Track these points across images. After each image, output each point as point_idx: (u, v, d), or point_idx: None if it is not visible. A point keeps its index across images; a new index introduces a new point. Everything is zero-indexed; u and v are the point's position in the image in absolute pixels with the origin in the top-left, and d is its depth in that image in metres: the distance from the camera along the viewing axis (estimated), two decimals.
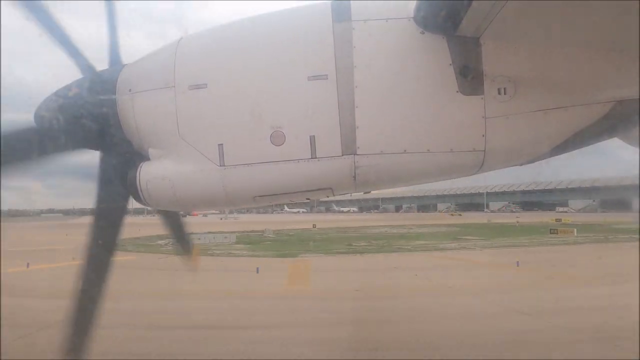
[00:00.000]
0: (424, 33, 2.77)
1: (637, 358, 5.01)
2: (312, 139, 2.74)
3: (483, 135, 2.75)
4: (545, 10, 2.35)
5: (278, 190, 2.92)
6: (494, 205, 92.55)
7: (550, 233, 28.76)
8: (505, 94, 2.73)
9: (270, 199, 3.09)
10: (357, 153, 2.75)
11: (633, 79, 2.64)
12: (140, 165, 2.98)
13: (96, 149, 3.19)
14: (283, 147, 2.76)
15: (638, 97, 2.73)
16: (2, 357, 5.33)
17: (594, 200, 78.87)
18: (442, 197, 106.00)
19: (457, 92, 2.73)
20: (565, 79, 2.78)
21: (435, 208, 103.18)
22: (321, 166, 2.77)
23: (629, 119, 2.90)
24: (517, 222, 42.36)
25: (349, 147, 2.74)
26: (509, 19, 2.43)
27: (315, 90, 2.74)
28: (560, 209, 75.86)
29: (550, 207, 79.92)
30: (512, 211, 79.47)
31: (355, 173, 2.80)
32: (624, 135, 3.51)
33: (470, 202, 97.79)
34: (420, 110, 2.76)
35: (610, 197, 70.21)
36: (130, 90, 2.96)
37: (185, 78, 2.85)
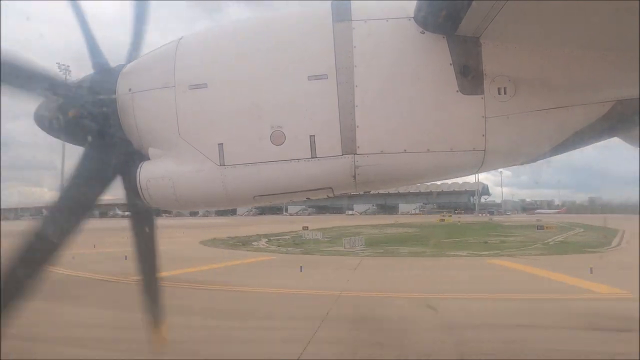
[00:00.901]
0: (424, 33, 2.77)
1: (637, 358, 5.00)
2: (312, 139, 2.75)
3: (483, 135, 2.75)
4: (545, 10, 2.35)
5: (278, 189, 2.92)
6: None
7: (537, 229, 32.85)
8: (505, 93, 2.73)
9: (270, 199, 3.09)
10: (357, 153, 2.75)
11: (633, 78, 2.64)
12: (141, 164, 2.99)
13: (96, 148, 3.19)
14: (283, 147, 2.76)
15: (638, 97, 2.74)
16: (2, 357, 5.33)
17: (373, 205, 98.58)
18: None
19: (457, 91, 2.73)
20: (565, 79, 2.79)
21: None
22: (321, 166, 2.77)
23: (629, 118, 2.90)
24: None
25: (348, 146, 2.75)
26: (509, 18, 2.43)
27: (315, 90, 2.74)
28: (349, 212, 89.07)
29: (340, 210, 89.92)
30: (309, 214, 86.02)
31: (355, 173, 2.80)
32: (623, 135, 3.51)
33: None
34: (421, 109, 2.76)
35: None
36: (130, 89, 2.96)
37: (185, 78, 2.86)
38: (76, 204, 3.03)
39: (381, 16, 2.84)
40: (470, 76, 2.72)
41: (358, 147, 2.75)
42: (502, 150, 2.85)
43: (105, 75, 3.09)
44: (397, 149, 2.77)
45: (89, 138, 3.03)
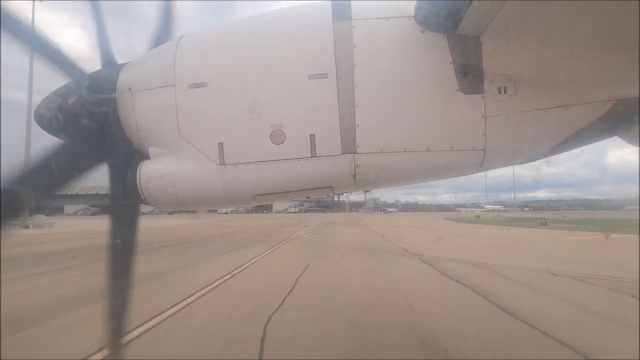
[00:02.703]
0: (424, 32, 2.77)
1: (637, 358, 5.01)
2: (312, 138, 2.75)
3: (483, 134, 2.75)
4: (546, 9, 2.35)
5: (278, 188, 2.92)
6: None
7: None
8: (505, 92, 2.74)
9: (270, 198, 3.09)
10: (357, 152, 2.75)
11: (633, 78, 2.64)
12: (141, 164, 2.99)
13: (96, 148, 3.18)
14: (283, 146, 2.76)
15: (638, 96, 2.74)
16: (2, 357, 5.32)
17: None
18: None
19: (458, 91, 2.73)
20: (566, 78, 2.79)
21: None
22: (321, 165, 2.77)
23: (629, 118, 2.90)
24: None
25: (349, 145, 2.75)
26: (510, 17, 2.43)
27: (315, 89, 2.74)
28: None
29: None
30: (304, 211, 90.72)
31: (355, 172, 2.80)
32: (624, 134, 3.51)
33: None
34: (421, 109, 2.76)
35: None
36: (130, 89, 2.96)
37: (185, 76, 2.85)
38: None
39: (381, 15, 2.84)
40: (470, 75, 2.72)
41: (358, 146, 2.75)
42: (502, 149, 2.85)
43: (105, 74, 3.09)
44: (397, 148, 2.77)
45: (89, 137, 3.03)
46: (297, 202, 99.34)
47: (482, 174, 3.27)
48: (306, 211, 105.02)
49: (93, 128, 2.99)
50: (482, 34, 2.65)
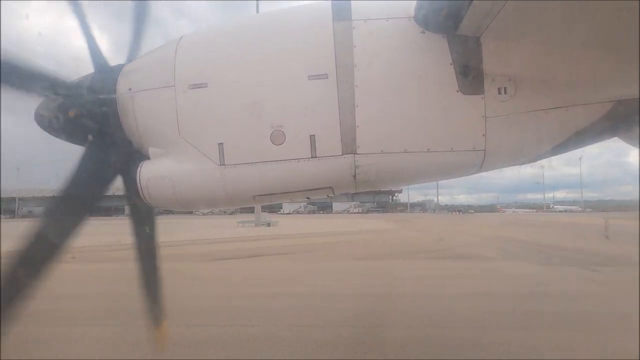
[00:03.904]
0: (424, 32, 2.77)
1: (637, 358, 5.00)
2: (312, 138, 2.75)
3: (483, 135, 2.75)
4: (546, 10, 2.35)
5: (278, 189, 2.92)
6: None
7: None
8: (505, 93, 2.74)
9: (270, 198, 3.09)
10: (357, 152, 2.75)
11: (633, 78, 2.64)
12: (141, 164, 2.99)
13: (96, 148, 3.18)
14: (283, 146, 2.76)
15: (638, 97, 2.74)
16: (2, 357, 5.32)
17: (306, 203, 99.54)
18: None
19: (458, 91, 2.73)
20: (566, 79, 2.79)
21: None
22: (321, 165, 2.77)
23: (629, 118, 2.90)
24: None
25: (349, 146, 2.74)
26: (510, 18, 2.43)
27: (315, 90, 2.74)
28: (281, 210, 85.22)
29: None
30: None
31: (355, 172, 2.80)
32: (624, 135, 3.51)
33: None
34: (421, 109, 2.76)
35: None
36: (130, 89, 2.96)
37: (185, 77, 2.85)
38: (76, 204, 3.02)
39: (381, 16, 2.84)
40: (470, 76, 2.72)
41: (358, 146, 2.75)
42: (502, 150, 2.85)
43: (105, 75, 3.09)
44: (398, 149, 2.77)
45: (89, 137, 3.03)
46: (358, 203, 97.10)
47: (489, 174, 3.26)
48: (367, 212, 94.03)
49: (93, 128, 2.99)
50: (482, 34, 2.65)
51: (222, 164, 2.82)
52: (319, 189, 2.94)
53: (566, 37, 2.65)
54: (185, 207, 3.21)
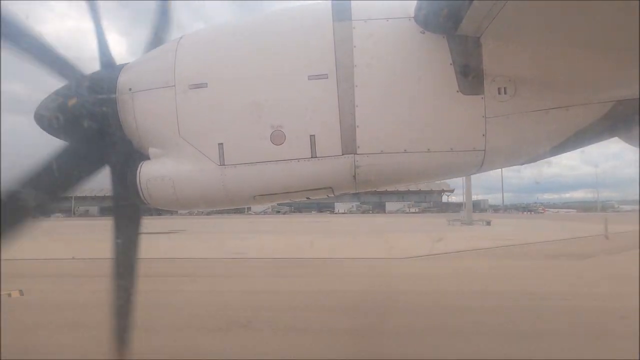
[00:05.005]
0: (424, 33, 2.77)
1: (638, 358, 5.00)
2: (312, 139, 2.75)
3: (483, 135, 2.75)
4: (546, 10, 2.35)
5: (278, 189, 2.92)
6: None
7: None
8: (505, 93, 2.73)
9: (270, 198, 3.09)
10: (357, 152, 2.75)
11: (633, 78, 2.64)
12: (141, 164, 2.99)
13: (96, 148, 3.19)
14: (283, 147, 2.76)
15: (638, 97, 2.74)
16: (2, 357, 5.32)
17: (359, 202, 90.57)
18: None
19: (458, 91, 2.73)
20: (565, 79, 2.79)
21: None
22: (321, 165, 2.77)
23: (629, 118, 2.90)
24: None
25: (349, 146, 2.75)
26: (510, 18, 2.43)
27: (315, 90, 2.74)
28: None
29: (322, 208, 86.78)
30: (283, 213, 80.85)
31: (355, 172, 2.80)
32: (624, 135, 3.51)
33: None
34: (421, 109, 2.76)
35: None
36: (130, 89, 2.96)
37: (185, 77, 2.85)
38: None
39: (381, 16, 2.84)
40: (470, 76, 2.72)
41: (358, 147, 2.75)
42: (503, 150, 2.85)
43: (105, 75, 3.09)
44: (397, 149, 2.77)
45: (89, 137, 3.03)
46: (413, 203, 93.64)
47: (497, 172, 3.24)
48: (423, 211, 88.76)
49: (93, 128, 2.99)
50: (482, 34, 2.65)
51: (222, 164, 2.82)
52: (319, 189, 2.94)
53: (566, 37, 2.65)
54: (185, 207, 3.21)
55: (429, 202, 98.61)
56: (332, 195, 3.15)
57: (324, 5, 2.93)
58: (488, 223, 36.55)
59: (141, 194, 2.96)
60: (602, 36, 2.61)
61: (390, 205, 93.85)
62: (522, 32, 2.66)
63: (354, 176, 2.81)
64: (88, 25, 3.08)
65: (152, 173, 2.94)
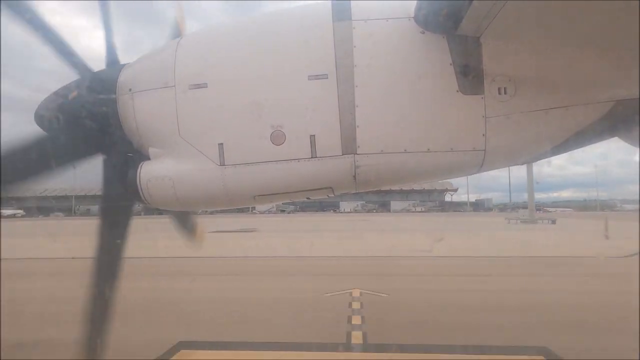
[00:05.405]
0: (424, 32, 2.77)
1: (637, 358, 5.00)
2: (312, 139, 2.75)
3: (483, 135, 2.75)
4: (546, 10, 2.35)
5: (278, 189, 2.92)
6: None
7: None
8: (505, 93, 2.73)
9: (270, 198, 3.09)
10: (357, 152, 2.75)
11: (633, 78, 2.64)
12: (141, 164, 2.99)
13: (96, 148, 3.19)
14: (283, 147, 2.76)
15: (638, 97, 2.73)
16: (2, 357, 5.33)
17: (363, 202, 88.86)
18: None
19: (458, 91, 2.73)
20: (566, 79, 2.79)
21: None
22: (321, 165, 2.77)
23: (629, 118, 2.90)
24: None
25: (349, 146, 2.75)
26: (510, 18, 2.43)
27: (315, 90, 2.74)
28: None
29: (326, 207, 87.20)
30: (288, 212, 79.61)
31: (355, 172, 2.80)
32: (624, 135, 3.50)
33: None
34: (421, 109, 2.76)
35: None
36: (130, 89, 2.96)
37: (185, 77, 2.86)
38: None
39: (381, 16, 2.84)
40: (470, 76, 2.72)
41: (358, 146, 2.75)
42: (503, 150, 2.85)
43: (105, 75, 3.09)
44: (398, 149, 2.77)
45: (89, 137, 3.04)
46: (417, 202, 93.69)
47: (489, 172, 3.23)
48: (429, 210, 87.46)
49: (93, 128, 3.00)
50: (482, 34, 2.65)
51: (222, 164, 2.82)
52: (319, 189, 2.94)
53: (566, 37, 2.65)
54: (185, 207, 3.21)
55: (435, 201, 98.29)
56: (332, 195, 3.15)
57: (324, 5, 2.92)
58: (553, 222, 34.41)
59: (141, 194, 2.97)
60: (602, 36, 2.61)
61: (395, 205, 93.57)
62: (522, 32, 2.66)
63: (354, 176, 2.81)
64: (78, 22, 3.11)
65: (152, 173, 2.94)
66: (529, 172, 40.10)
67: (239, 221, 40.31)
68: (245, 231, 30.27)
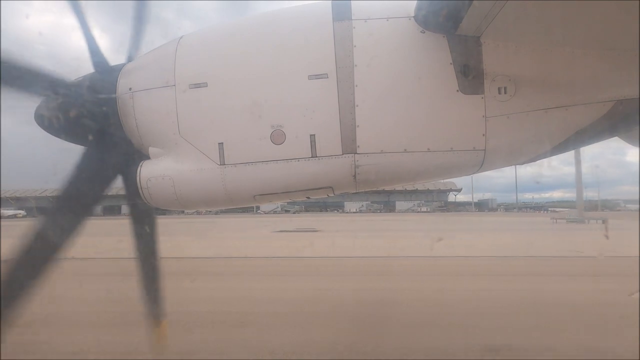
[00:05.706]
0: (424, 32, 2.77)
1: (638, 358, 5.00)
2: (313, 138, 2.75)
3: (483, 135, 2.75)
4: (546, 10, 2.35)
5: (278, 189, 2.92)
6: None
7: None
8: (505, 93, 2.74)
9: (270, 198, 3.09)
10: (358, 152, 2.76)
11: (633, 78, 2.65)
12: (141, 164, 2.99)
13: (96, 148, 3.19)
14: (283, 146, 2.76)
15: (638, 97, 2.74)
16: (2, 357, 5.33)
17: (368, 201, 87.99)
18: None
19: (458, 91, 2.73)
20: (566, 79, 2.79)
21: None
22: (321, 165, 2.77)
23: (629, 118, 2.90)
24: None
25: (349, 146, 2.75)
26: (510, 18, 2.43)
27: (315, 89, 2.74)
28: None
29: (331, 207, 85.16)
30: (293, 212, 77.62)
31: (355, 172, 2.80)
32: (624, 135, 3.51)
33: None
34: (421, 109, 2.76)
35: None
36: (130, 89, 2.96)
37: (185, 77, 2.86)
38: (77, 204, 3.02)
39: (381, 15, 2.84)
40: (470, 76, 2.72)
41: (358, 146, 2.75)
42: (503, 149, 2.85)
43: (106, 75, 3.09)
44: (398, 149, 2.77)
45: (90, 137, 3.03)
46: (423, 202, 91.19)
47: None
48: (434, 210, 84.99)
49: (93, 128, 2.99)
50: (482, 34, 2.65)
51: (222, 163, 2.82)
52: (319, 188, 2.94)
53: (566, 37, 2.65)
54: (185, 207, 3.21)
55: (439, 201, 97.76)
56: (332, 195, 3.15)
57: (324, 5, 2.93)
58: (604, 221, 30.94)
59: (141, 194, 2.97)
60: (602, 36, 2.61)
61: (400, 205, 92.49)
62: (522, 32, 2.66)
63: (354, 176, 2.81)
64: (70, 21, 3.04)
65: (152, 172, 2.95)
66: (578, 168, 39.70)
67: (270, 221, 37.76)
68: (307, 231, 27.15)
